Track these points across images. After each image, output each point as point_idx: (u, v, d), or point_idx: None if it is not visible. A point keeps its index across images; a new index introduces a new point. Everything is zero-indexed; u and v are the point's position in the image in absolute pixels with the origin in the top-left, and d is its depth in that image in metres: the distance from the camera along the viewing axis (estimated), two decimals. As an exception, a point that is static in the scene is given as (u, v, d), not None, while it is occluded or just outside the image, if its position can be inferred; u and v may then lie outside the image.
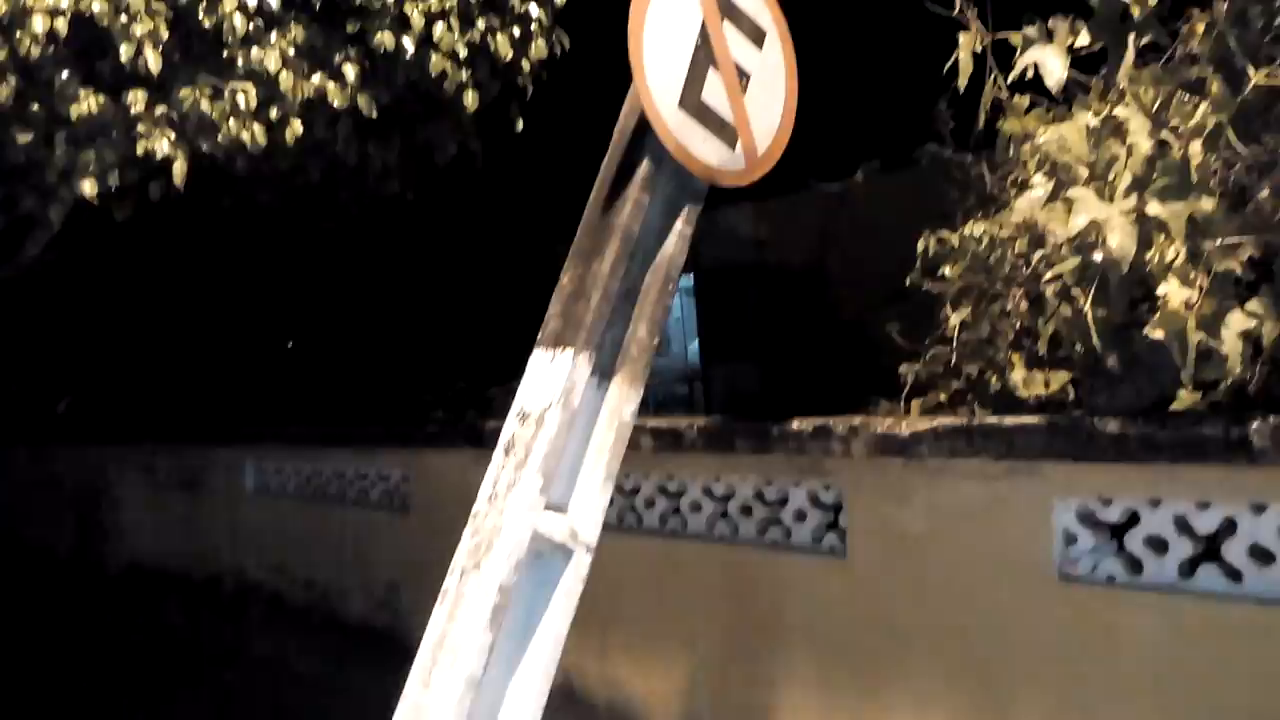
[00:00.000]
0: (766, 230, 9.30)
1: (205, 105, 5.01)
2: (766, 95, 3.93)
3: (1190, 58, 3.64)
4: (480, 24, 5.81)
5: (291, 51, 5.21)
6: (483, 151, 6.73)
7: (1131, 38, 3.54)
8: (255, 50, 5.13)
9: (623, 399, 3.37)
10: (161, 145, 4.99)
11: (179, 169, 5.03)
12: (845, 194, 7.08)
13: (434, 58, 5.61)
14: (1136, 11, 3.43)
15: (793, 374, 8.03)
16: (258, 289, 11.07)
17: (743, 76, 3.84)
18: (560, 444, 3.17)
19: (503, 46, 5.86)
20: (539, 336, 3.40)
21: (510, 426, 3.20)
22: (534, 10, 5.99)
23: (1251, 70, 3.15)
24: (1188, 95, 3.27)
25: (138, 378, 12.15)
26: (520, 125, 6.49)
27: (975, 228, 4.09)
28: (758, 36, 3.92)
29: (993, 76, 4.18)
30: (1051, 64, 3.67)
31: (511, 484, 3.07)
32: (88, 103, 4.90)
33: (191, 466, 9.72)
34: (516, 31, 5.95)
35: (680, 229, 3.73)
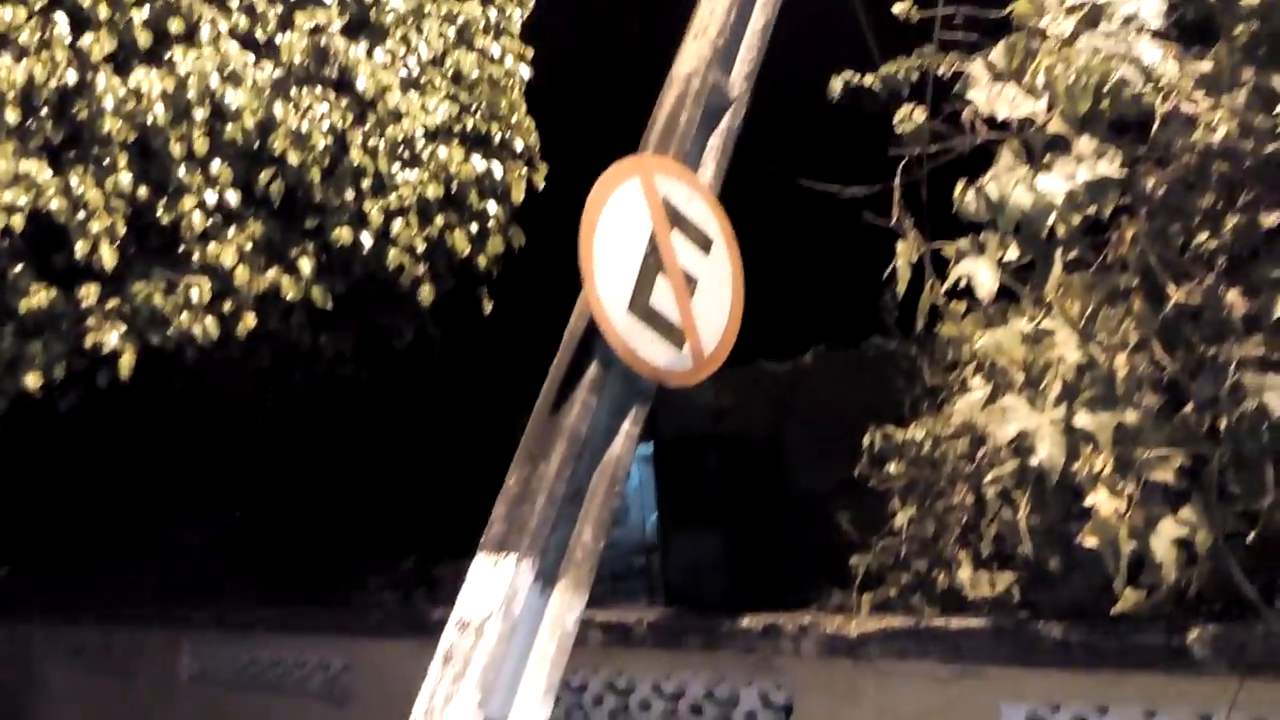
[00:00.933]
0: (726, 400, 9.39)
1: (158, 299, 5.06)
2: (713, 299, 4.04)
3: (1121, 263, 3.80)
4: (439, 220, 5.96)
5: (249, 246, 5.30)
6: (442, 335, 6.80)
7: (1058, 252, 3.70)
8: (212, 245, 5.22)
9: (566, 606, 3.33)
10: (110, 338, 5.01)
11: (126, 362, 5.04)
12: (797, 372, 7.22)
13: (391, 252, 5.74)
14: (1062, 229, 3.59)
15: (750, 549, 8.01)
16: (204, 460, 10.93)
17: (690, 282, 3.95)
18: (500, 654, 3.12)
19: (460, 242, 6.01)
20: (481, 540, 3.38)
21: (449, 636, 3.15)
22: (492, 208, 6.16)
23: (1172, 288, 3.30)
24: (1113, 310, 3.40)
25: (74, 549, 11.83)
26: (489, 309, 6.59)
27: (918, 430, 4.16)
28: (705, 244, 4.06)
29: (930, 283, 4.33)
30: (983, 276, 3.81)
31: (449, 697, 3.00)
32: (38, 296, 4.93)
33: (124, 650, 9.39)
34: (474, 228, 6.11)
35: (628, 429, 3.77)
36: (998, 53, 4.28)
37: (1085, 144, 3.62)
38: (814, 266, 7.93)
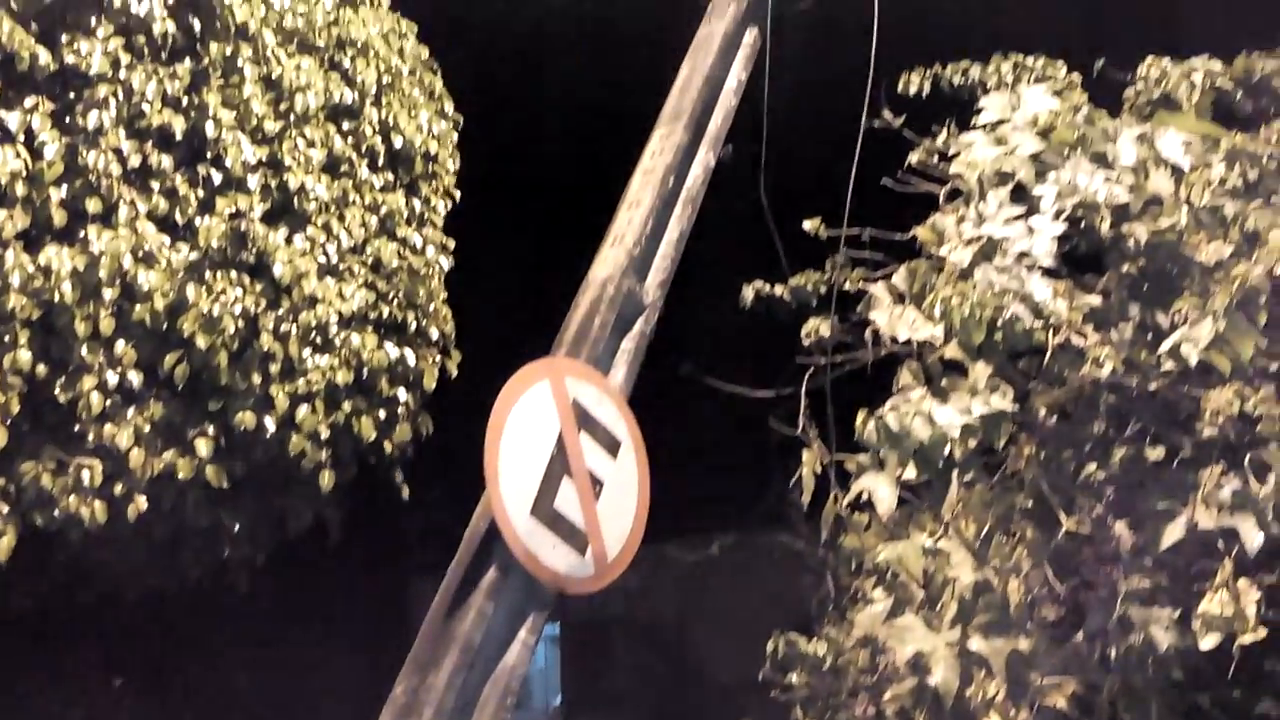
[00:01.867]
0: (635, 582, 9.30)
1: (46, 480, 4.91)
2: (619, 502, 4.02)
3: (1017, 481, 3.90)
4: (346, 406, 5.92)
5: (147, 428, 5.19)
6: (341, 519, 6.66)
7: (955, 473, 3.78)
8: (108, 426, 5.11)
9: (450, 828, 3.18)
10: (-9, 518, 4.83)
11: (5, 544, 4.85)
12: (706, 562, 7.21)
13: (295, 437, 5.66)
14: (959, 452, 3.68)
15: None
16: (86, 633, 10.41)
17: (596, 485, 3.94)
18: None
19: (366, 429, 5.96)
20: (367, 756, 3.24)
21: None
22: (402, 395, 6.15)
23: (1063, 516, 3.38)
24: (1005, 538, 3.47)
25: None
26: (381, 498, 6.50)
27: (819, 645, 4.15)
28: (613, 447, 4.07)
29: (834, 494, 4.39)
30: (882, 493, 3.86)
31: None
32: (-80, 472, 4.76)
33: None
34: (383, 414, 6.07)
35: (524, 638, 3.69)
36: (900, 276, 4.46)
37: (981, 370, 3.74)
38: (724, 461, 8.00)
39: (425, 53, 7.24)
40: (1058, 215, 4.11)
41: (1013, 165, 4.42)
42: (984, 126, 4.80)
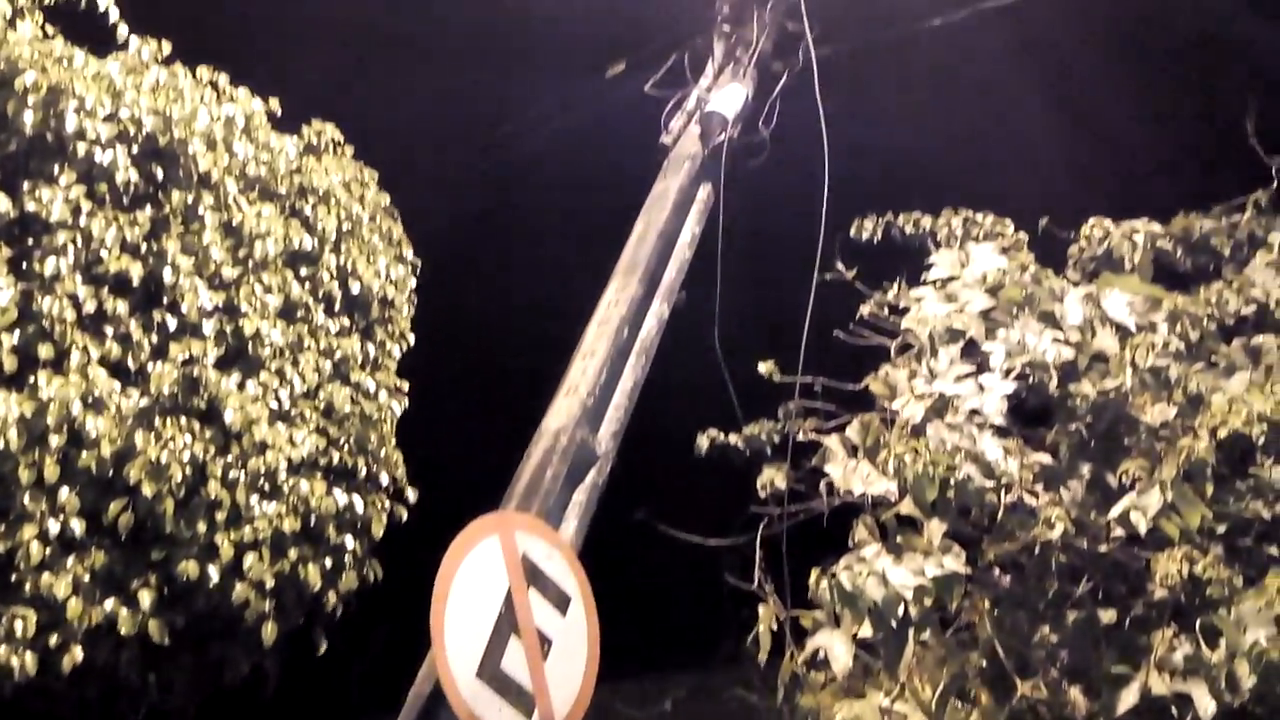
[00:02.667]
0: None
1: (-26, 630, 4.74)
2: (568, 661, 3.94)
3: (973, 638, 3.86)
4: (292, 554, 5.80)
5: (86, 577, 5.05)
6: (280, 671, 6.45)
7: (911, 632, 3.74)
8: (46, 575, 4.96)
9: None
10: (-84, 669, 4.64)
11: (-71, 695, 4.64)
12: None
13: (239, 587, 5.52)
14: (914, 611, 3.65)
15: None
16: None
17: (545, 643, 3.86)
18: None
19: (313, 576, 5.83)
20: None
21: None
22: (349, 542, 6.04)
23: (1018, 681, 3.34)
24: (961, 702, 3.42)
25: None
26: (323, 648, 6.32)
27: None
28: (562, 602, 4.00)
29: (789, 652, 4.33)
30: (838, 650, 3.82)
31: None
32: None
33: None
34: (329, 562, 5.95)
35: (470, 804, 3.56)
36: (853, 429, 4.50)
37: (935, 528, 3.75)
38: (678, 612, 7.90)
39: (386, 199, 7.34)
40: (1007, 374, 4.19)
41: (963, 322, 4.52)
42: (934, 282, 4.93)
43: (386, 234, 7.21)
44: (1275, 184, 5.46)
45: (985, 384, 4.09)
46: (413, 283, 7.29)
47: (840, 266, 5.45)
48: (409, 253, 7.37)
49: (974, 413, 4.05)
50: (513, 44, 9.02)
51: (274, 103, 6.47)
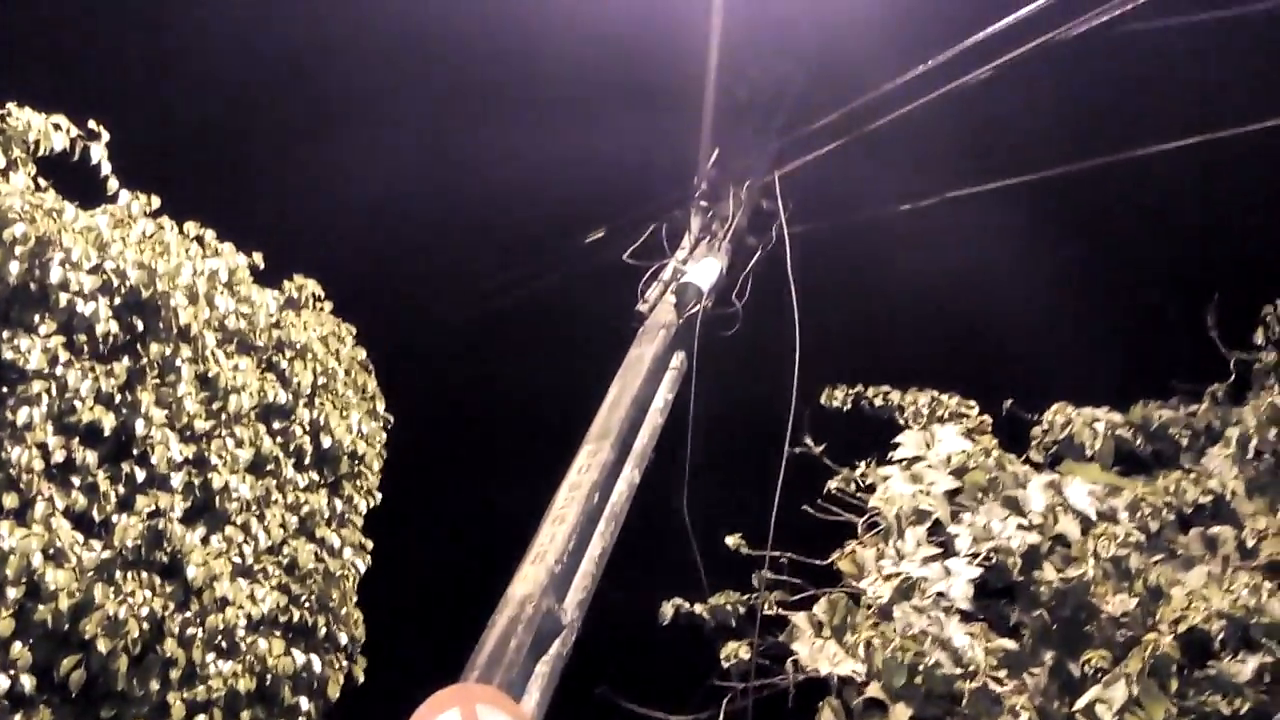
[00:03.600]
0: None
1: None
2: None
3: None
4: (245, 715, 5.66)
5: (34, 736, 4.90)
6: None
7: None
8: (-9, 733, 4.82)
9: None
10: None
11: None
12: None
13: (188, 748, 5.37)
14: None
15: None
16: None
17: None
18: None
19: (267, 742, 5.69)
20: None
21: None
22: (304, 703, 5.91)
23: None
24: None
25: None
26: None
27: None
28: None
29: None
30: None
31: None
32: None
33: None
34: (284, 726, 5.81)
35: None
36: (821, 607, 4.52)
37: (900, 712, 3.74)
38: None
39: (363, 353, 7.40)
40: (973, 558, 4.25)
41: (929, 503, 4.59)
42: (900, 462, 5.02)
43: (361, 388, 7.24)
44: (1232, 377, 5.65)
45: (951, 568, 4.14)
46: (383, 438, 7.29)
47: (809, 441, 5.55)
48: (381, 406, 7.40)
49: (940, 595, 4.09)
50: (494, 205, 9.27)
51: (258, 257, 6.57)
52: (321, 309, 7.19)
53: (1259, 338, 5.64)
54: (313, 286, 7.06)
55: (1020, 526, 4.29)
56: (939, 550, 4.33)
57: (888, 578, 4.27)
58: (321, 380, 6.74)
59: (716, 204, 6.88)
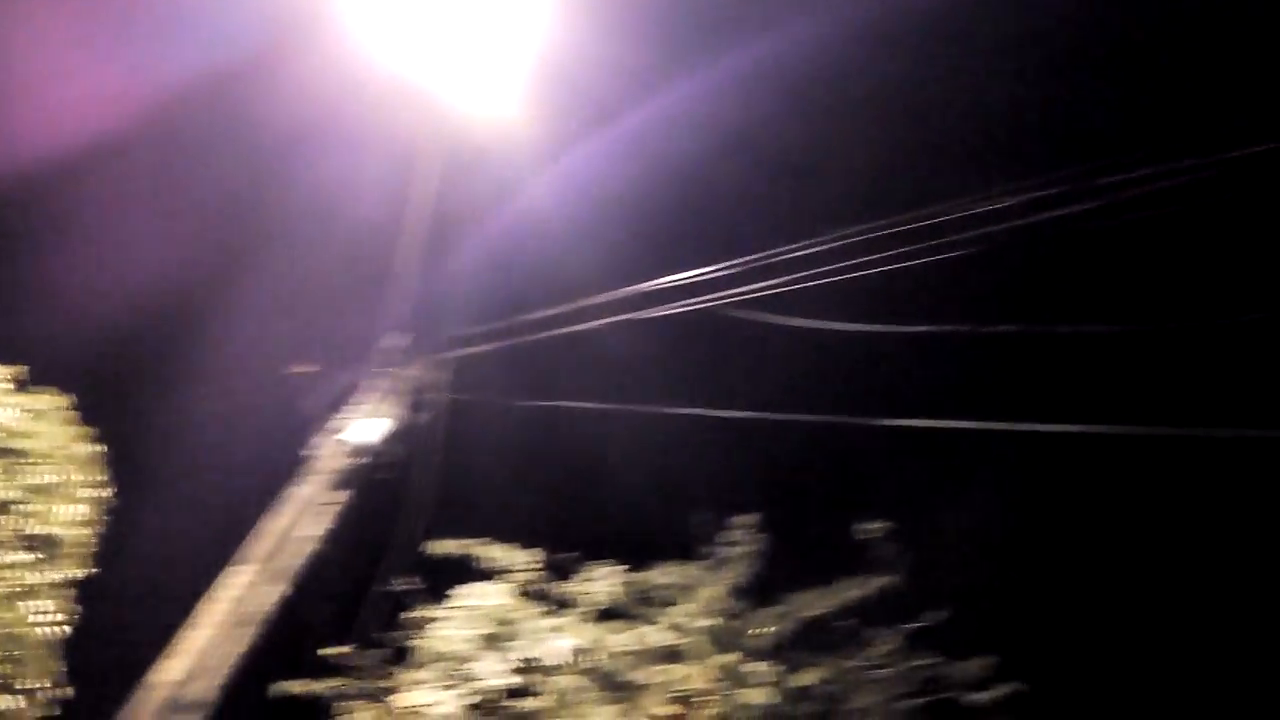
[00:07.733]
0: None
1: None
2: None
3: None
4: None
5: None
6: None
7: None
8: None
9: None
10: None
11: None
12: None
13: None
14: None
15: None
16: None
17: None
18: None
19: None
20: None
21: None
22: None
23: None
24: None
25: None
26: None
27: None
28: None
29: None
30: None
31: None
32: None
33: None
34: None
35: None
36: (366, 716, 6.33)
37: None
38: None
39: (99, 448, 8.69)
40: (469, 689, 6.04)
41: (458, 645, 6.41)
42: (453, 608, 6.88)
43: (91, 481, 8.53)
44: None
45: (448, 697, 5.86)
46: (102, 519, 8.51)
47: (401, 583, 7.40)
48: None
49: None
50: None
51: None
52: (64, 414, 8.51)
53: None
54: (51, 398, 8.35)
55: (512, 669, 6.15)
56: (452, 681, 6.16)
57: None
58: (53, 479, 8.09)
59: (396, 371, 8.66)
